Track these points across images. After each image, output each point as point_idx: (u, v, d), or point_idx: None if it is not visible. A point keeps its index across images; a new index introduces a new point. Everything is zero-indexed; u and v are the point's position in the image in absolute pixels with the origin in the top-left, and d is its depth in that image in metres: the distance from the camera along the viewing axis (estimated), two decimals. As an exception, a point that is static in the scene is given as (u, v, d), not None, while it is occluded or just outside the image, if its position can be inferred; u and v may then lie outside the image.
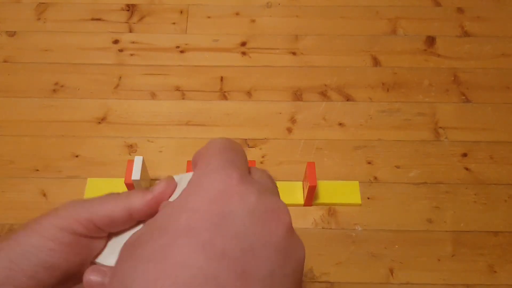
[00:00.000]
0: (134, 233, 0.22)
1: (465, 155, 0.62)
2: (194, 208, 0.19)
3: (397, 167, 0.61)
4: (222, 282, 0.17)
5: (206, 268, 0.17)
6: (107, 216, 0.24)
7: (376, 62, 0.70)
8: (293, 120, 0.65)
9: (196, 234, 0.18)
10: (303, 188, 0.57)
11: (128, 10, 0.76)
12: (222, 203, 0.19)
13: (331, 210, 0.57)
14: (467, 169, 0.60)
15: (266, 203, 0.20)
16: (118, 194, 0.26)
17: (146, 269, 0.17)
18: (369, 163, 0.61)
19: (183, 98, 0.67)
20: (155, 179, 0.59)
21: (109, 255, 0.26)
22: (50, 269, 0.24)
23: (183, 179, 0.27)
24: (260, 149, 0.62)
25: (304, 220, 0.57)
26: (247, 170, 0.23)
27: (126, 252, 0.20)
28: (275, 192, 0.24)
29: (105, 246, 0.26)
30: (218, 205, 0.19)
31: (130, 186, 0.53)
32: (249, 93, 0.67)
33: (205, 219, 0.18)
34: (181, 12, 0.75)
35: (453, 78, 0.68)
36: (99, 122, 0.64)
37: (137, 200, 0.25)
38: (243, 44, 0.72)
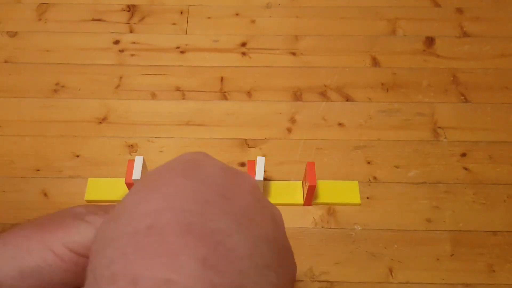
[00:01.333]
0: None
1: (464, 155, 0.62)
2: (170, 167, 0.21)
3: (397, 167, 0.61)
4: (209, 199, 0.19)
5: (197, 192, 0.19)
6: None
7: (375, 63, 0.70)
8: (293, 120, 0.65)
9: (176, 175, 0.20)
10: (303, 188, 0.57)
11: (128, 11, 0.76)
12: (194, 163, 0.21)
13: (331, 209, 0.58)
14: (466, 169, 0.61)
15: (230, 167, 0.23)
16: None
17: (142, 196, 0.20)
18: (368, 163, 0.61)
19: (183, 98, 0.67)
20: (156, 179, 0.59)
21: None
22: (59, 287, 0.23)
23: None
24: (260, 149, 0.62)
25: (304, 220, 0.57)
26: None
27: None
28: None
29: None
30: (191, 163, 0.21)
31: (131, 186, 0.53)
32: (249, 93, 0.67)
33: (185, 166, 0.21)
34: (182, 12, 0.76)
35: (452, 78, 0.69)
36: (100, 122, 0.65)
37: None
38: (243, 44, 0.72)
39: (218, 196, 0.19)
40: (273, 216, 0.22)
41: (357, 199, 0.58)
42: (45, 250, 0.22)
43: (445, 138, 0.63)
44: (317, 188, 0.57)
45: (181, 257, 0.16)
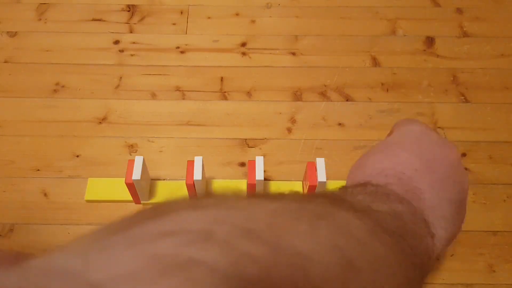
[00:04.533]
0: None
1: (464, 155, 0.62)
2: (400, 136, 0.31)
3: (397, 167, 0.61)
4: (418, 168, 0.27)
5: (411, 162, 0.28)
6: None
7: (375, 63, 0.70)
8: (293, 120, 0.65)
9: (398, 148, 0.29)
10: (303, 187, 0.57)
11: (128, 11, 0.76)
12: (418, 139, 0.30)
13: (331, 209, 0.58)
14: (466, 169, 0.61)
15: (442, 140, 0.31)
16: None
17: (377, 157, 0.29)
18: (368, 163, 0.61)
19: (183, 98, 0.67)
20: (156, 179, 0.59)
21: None
22: None
23: None
24: (260, 149, 0.62)
25: (304, 220, 0.57)
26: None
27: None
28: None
29: None
30: (416, 138, 0.30)
31: (131, 186, 0.53)
32: (249, 93, 0.67)
33: (408, 142, 0.30)
34: (182, 12, 0.76)
35: (452, 78, 0.69)
36: (100, 122, 0.64)
37: None
38: (243, 44, 0.72)
39: (425, 166, 0.27)
40: (461, 180, 0.29)
41: (357, 199, 0.58)
42: None
43: (445, 138, 0.63)
44: (317, 188, 0.57)
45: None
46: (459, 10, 0.76)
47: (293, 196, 0.21)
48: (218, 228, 0.15)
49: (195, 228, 0.15)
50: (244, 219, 0.16)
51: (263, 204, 0.19)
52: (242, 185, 0.58)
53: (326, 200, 0.22)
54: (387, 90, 0.67)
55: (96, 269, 0.13)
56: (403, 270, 0.22)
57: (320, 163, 0.53)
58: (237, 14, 0.75)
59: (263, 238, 0.16)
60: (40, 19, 0.75)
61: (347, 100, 0.67)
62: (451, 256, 0.55)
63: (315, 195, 0.23)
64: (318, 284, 0.16)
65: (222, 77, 0.69)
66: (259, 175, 0.52)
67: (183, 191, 0.56)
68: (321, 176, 0.52)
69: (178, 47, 0.72)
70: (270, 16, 0.75)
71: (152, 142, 0.63)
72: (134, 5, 0.76)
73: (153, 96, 0.67)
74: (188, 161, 0.54)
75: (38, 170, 0.60)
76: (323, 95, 0.67)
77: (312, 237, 0.17)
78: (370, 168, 0.28)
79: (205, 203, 0.18)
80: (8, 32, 0.73)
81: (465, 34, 0.73)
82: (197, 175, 0.52)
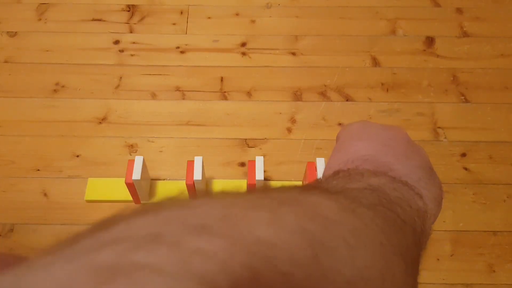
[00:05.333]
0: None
1: (464, 155, 0.62)
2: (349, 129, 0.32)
3: (397, 167, 0.61)
4: (379, 149, 0.29)
5: (371, 146, 0.29)
6: None
7: (375, 63, 0.70)
8: (293, 120, 0.65)
9: (353, 139, 0.31)
10: (303, 188, 0.57)
11: (128, 11, 0.76)
12: (366, 130, 0.31)
13: (331, 209, 0.58)
14: (466, 169, 0.61)
15: (387, 125, 0.32)
16: None
17: (337, 156, 0.30)
18: (368, 163, 0.61)
19: (183, 98, 0.67)
20: (156, 179, 0.59)
21: None
22: None
23: None
24: (260, 149, 0.62)
25: (304, 220, 0.57)
26: None
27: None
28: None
29: None
30: (363, 129, 0.31)
31: (131, 186, 0.53)
32: (249, 93, 0.67)
33: (357, 134, 0.31)
34: (181, 12, 0.76)
35: (452, 78, 0.69)
36: (100, 122, 0.64)
37: None
38: (243, 44, 0.72)
39: (383, 146, 0.29)
40: (419, 151, 0.30)
41: (357, 199, 0.58)
42: None
43: (445, 138, 0.63)
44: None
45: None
46: (459, 10, 0.76)
47: (259, 189, 0.21)
48: (166, 229, 0.15)
49: (142, 233, 0.15)
50: (195, 217, 0.16)
51: (219, 200, 0.18)
52: (242, 185, 0.58)
53: (296, 189, 0.22)
54: (387, 90, 0.67)
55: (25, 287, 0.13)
56: (391, 238, 0.22)
57: (320, 163, 0.53)
58: (237, 14, 0.75)
59: (216, 232, 0.15)
60: (40, 19, 0.75)
61: (347, 100, 0.67)
62: (451, 256, 0.55)
63: (286, 187, 0.23)
64: (287, 269, 0.15)
65: (222, 77, 0.69)
66: (259, 175, 0.52)
67: (183, 191, 0.56)
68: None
69: (178, 47, 0.72)
70: (270, 16, 0.75)
71: (152, 142, 0.63)
72: (134, 5, 0.76)
73: (153, 96, 0.67)
74: (188, 161, 0.54)
75: (38, 170, 0.60)
76: (323, 95, 0.67)
77: (275, 223, 0.17)
78: (335, 164, 0.29)
79: (156, 207, 0.17)
80: (8, 32, 0.73)
81: (465, 34, 0.73)
82: (197, 175, 0.52)
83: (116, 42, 0.72)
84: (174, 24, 0.74)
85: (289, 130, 0.64)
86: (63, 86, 0.68)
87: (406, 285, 0.23)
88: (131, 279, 0.12)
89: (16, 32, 0.73)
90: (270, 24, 0.74)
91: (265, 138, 0.63)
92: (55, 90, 0.67)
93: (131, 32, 0.74)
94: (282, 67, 0.70)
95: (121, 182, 0.57)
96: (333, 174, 0.26)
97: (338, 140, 0.33)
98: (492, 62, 0.70)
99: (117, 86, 0.68)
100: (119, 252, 0.14)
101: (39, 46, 0.72)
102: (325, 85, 0.68)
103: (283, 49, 0.72)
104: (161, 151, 0.62)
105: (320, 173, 0.53)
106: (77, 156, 0.62)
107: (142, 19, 0.75)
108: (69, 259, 0.14)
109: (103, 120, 0.65)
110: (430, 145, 0.63)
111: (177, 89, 0.68)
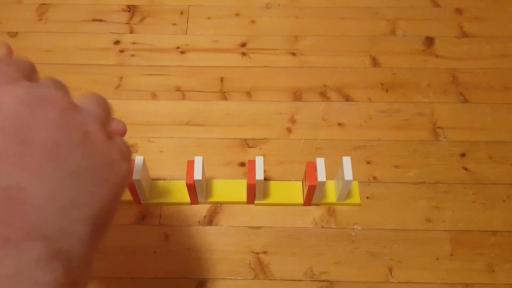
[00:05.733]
0: None
1: (463, 155, 0.62)
2: None
3: (396, 167, 0.61)
4: (2, 151, 0.18)
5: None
6: None
7: (375, 63, 0.70)
8: (293, 120, 0.65)
9: None
10: (303, 187, 0.57)
11: (129, 11, 0.76)
12: None
13: (331, 209, 0.58)
14: (466, 169, 0.61)
15: (37, 92, 0.21)
16: None
17: None
18: (368, 163, 0.61)
19: (183, 99, 0.67)
20: (156, 179, 0.59)
21: None
22: None
23: None
24: (260, 149, 0.62)
25: (304, 220, 0.57)
26: (24, 77, 0.24)
27: None
28: (56, 87, 0.25)
29: None
30: None
31: (131, 186, 0.53)
32: (249, 93, 0.67)
33: None
34: (182, 13, 0.76)
35: (451, 79, 0.69)
36: (100, 122, 0.65)
37: None
38: (243, 44, 0.72)
39: (14, 144, 0.19)
40: (85, 134, 0.22)
41: (357, 199, 0.58)
42: None
43: (445, 138, 0.63)
44: (317, 188, 0.57)
45: None
46: (459, 10, 0.76)
47: None
48: None
49: None
50: None
51: None
52: (242, 185, 0.58)
53: None
54: (387, 90, 0.68)
55: None
56: None
57: (320, 163, 0.53)
58: (237, 14, 0.76)
59: None
60: (40, 20, 0.75)
61: (347, 100, 0.67)
62: (451, 255, 0.55)
63: None
64: None
65: (222, 77, 0.69)
66: (259, 175, 0.52)
67: (183, 191, 0.56)
68: (321, 176, 0.52)
69: (178, 47, 0.72)
70: (270, 16, 0.75)
71: (152, 142, 0.63)
72: (134, 5, 0.77)
73: (153, 96, 0.67)
74: (188, 161, 0.54)
75: (39, 170, 0.60)
76: (323, 95, 0.67)
77: None
78: None
79: None
80: (8, 32, 0.73)
81: (465, 34, 0.73)
82: (197, 175, 0.52)
83: (117, 42, 0.72)
84: (174, 24, 0.75)
85: (289, 130, 0.64)
86: (63, 86, 0.68)
87: None
88: None
89: (16, 32, 0.73)
90: (270, 24, 0.75)
91: (265, 138, 0.63)
92: (55, 90, 0.67)
93: (131, 32, 0.74)
94: (282, 67, 0.70)
95: (121, 182, 0.57)
96: None
97: None
98: (492, 62, 0.70)
99: (118, 86, 0.68)
100: None
101: (39, 46, 0.72)
102: (325, 85, 0.68)
103: (283, 49, 0.72)
104: (161, 151, 0.62)
105: (320, 173, 0.53)
106: (78, 156, 0.62)
107: (142, 19, 0.75)
108: None
109: (103, 120, 0.65)
110: (430, 145, 0.63)
111: (177, 89, 0.68)
